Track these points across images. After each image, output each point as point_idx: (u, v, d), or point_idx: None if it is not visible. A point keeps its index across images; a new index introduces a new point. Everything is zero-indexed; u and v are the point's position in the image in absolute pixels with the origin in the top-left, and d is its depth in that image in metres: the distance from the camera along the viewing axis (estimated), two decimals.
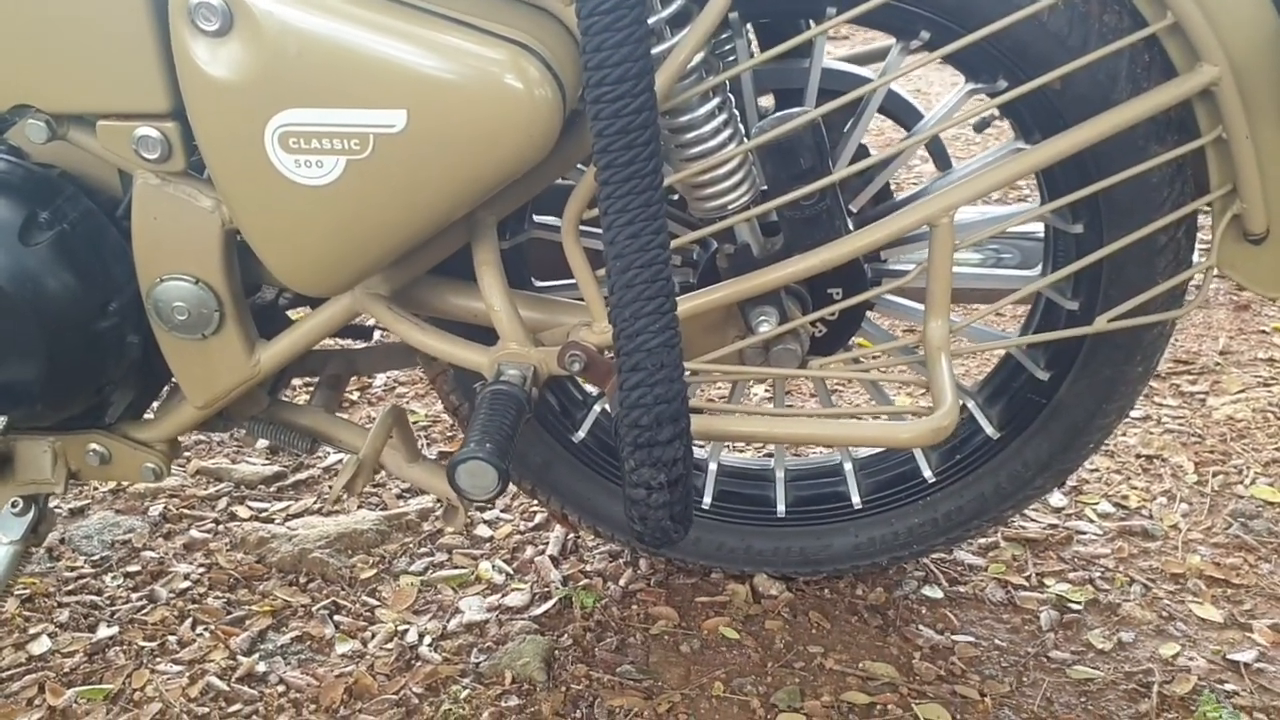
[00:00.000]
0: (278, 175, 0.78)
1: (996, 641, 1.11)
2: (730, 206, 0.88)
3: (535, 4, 0.80)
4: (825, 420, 0.93)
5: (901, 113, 1.13)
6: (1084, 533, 1.27)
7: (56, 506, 1.31)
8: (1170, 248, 0.91)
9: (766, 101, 1.10)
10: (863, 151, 1.03)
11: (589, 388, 1.12)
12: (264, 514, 1.32)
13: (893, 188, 1.09)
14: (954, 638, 1.11)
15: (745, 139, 0.88)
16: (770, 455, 1.21)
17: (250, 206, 0.81)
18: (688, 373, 0.75)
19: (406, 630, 1.12)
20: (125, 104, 0.83)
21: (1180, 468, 1.40)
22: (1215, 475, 1.38)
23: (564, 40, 0.79)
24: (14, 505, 1.00)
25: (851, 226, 0.92)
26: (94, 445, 0.98)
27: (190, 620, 1.14)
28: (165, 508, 1.34)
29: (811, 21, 1.04)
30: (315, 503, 1.34)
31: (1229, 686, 1.04)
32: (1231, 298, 1.85)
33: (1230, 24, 0.78)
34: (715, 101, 0.85)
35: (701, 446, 1.13)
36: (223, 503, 1.36)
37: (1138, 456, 1.43)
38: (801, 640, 1.11)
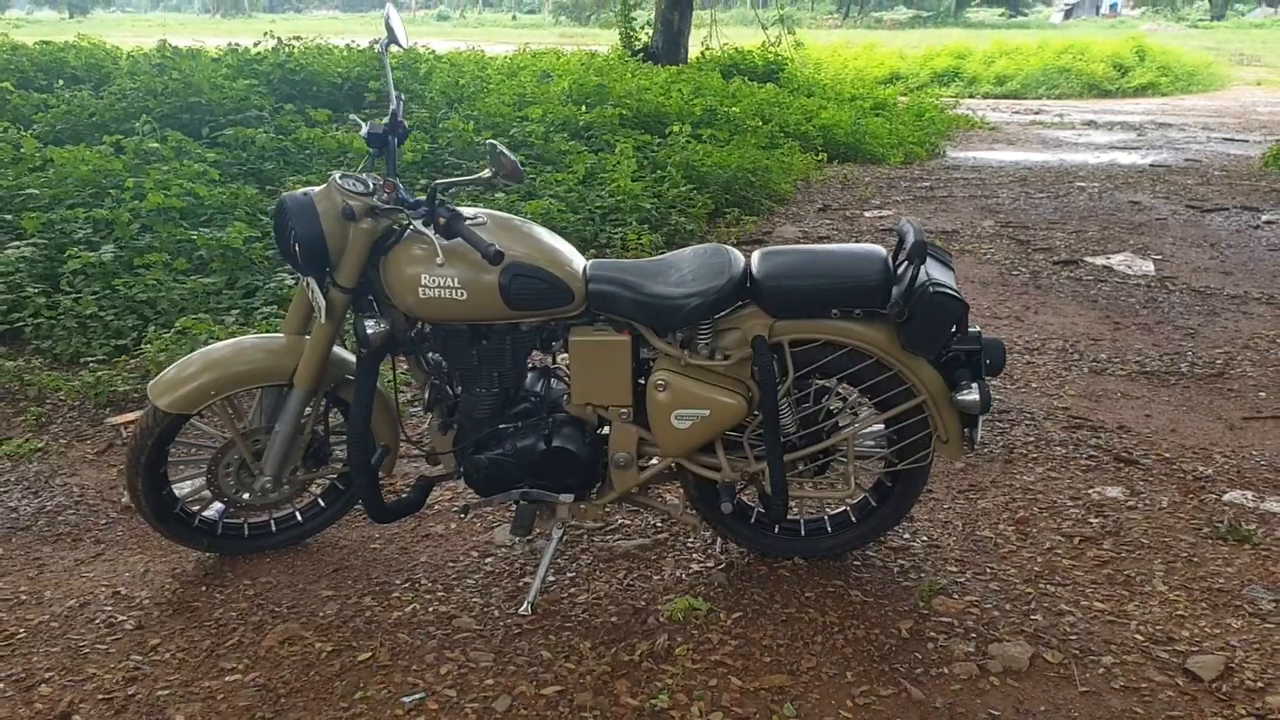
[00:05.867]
0: (671, 425, 2.99)
1: (867, 574, 3.24)
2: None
3: (727, 372, 3.01)
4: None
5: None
6: (913, 544, 3.43)
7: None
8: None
9: None
10: None
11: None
12: (602, 538, 3.45)
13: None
14: (856, 577, 3.24)
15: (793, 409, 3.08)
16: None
17: (661, 432, 3.01)
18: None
19: (679, 573, 3.25)
20: (620, 403, 3.04)
21: (951, 525, 3.57)
22: (967, 526, 3.55)
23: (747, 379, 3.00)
24: (558, 529, 3.16)
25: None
26: (583, 505, 3.15)
27: (624, 571, 3.26)
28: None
29: None
30: (620, 528, 3.48)
31: (939, 587, 3.17)
32: (1002, 455, 4.07)
33: (924, 378, 2.99)
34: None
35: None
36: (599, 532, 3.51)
37: (928, 521, 3.60)
38: (794, 581, 3.23)
